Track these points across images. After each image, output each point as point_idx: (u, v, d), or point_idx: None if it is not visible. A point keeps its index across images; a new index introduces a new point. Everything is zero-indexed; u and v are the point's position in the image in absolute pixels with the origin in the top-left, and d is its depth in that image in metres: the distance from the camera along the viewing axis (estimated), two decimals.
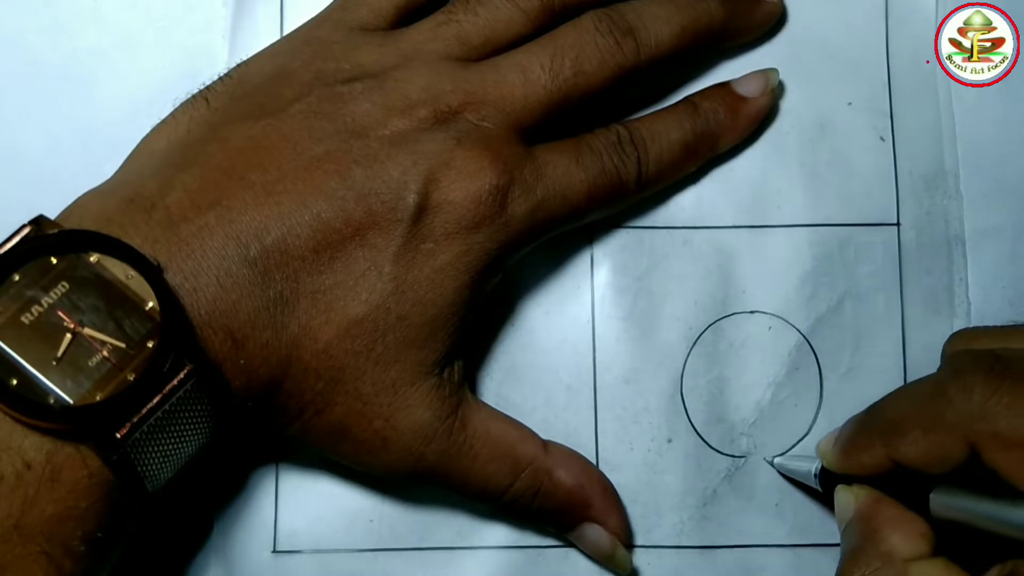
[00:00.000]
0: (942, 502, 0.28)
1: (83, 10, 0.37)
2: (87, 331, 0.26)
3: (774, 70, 0.37)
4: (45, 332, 0.25)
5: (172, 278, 0.28)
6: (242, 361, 0.29)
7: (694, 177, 0.37)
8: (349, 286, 0.30)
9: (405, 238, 0.30)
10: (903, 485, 0.29)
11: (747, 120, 0.37)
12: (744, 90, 0.37)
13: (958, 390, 0.27)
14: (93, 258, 0.26)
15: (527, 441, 0.33)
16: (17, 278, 0.26)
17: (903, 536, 0.28)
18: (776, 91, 0.37)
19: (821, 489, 0.33)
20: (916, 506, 0.29)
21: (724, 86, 0.37)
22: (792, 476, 0.35)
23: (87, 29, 0.37)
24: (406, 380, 0.31)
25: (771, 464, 0.36)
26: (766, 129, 0.38)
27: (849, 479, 0.31)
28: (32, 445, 0.25)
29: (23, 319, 0.25)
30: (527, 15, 0.34)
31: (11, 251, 0.26)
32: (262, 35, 0.37)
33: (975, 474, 0.27)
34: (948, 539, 0.29)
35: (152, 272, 0.27)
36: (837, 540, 0.35)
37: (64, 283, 0.26)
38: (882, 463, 0.30)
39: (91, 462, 0.26)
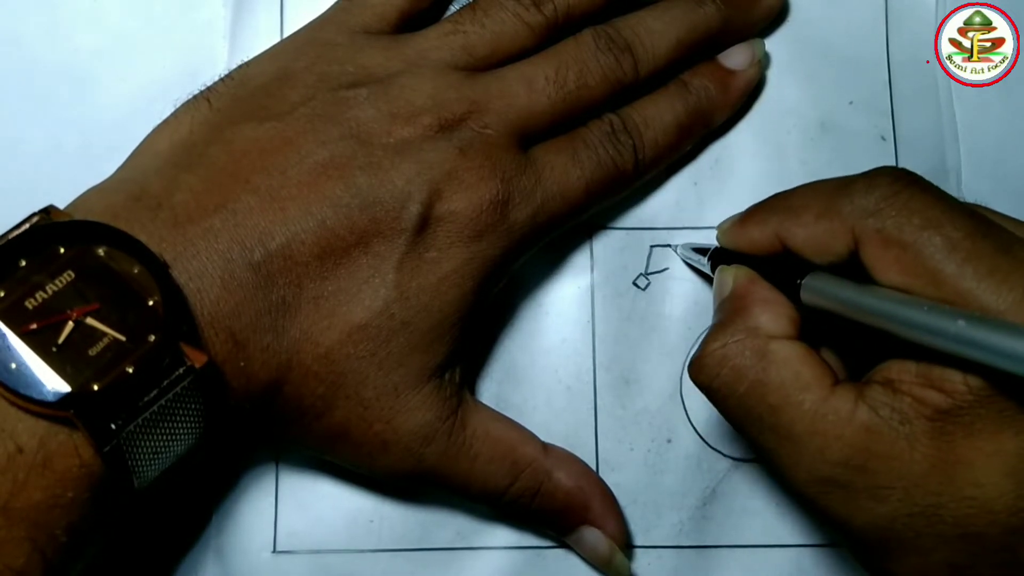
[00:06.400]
0: (812, 287, 0.28)
1: (83, 10, 0.37)
2: (89, 321, 0.26)
3: (759, 41, 0.37)
4: (48, 318, 0.25)
5: (177, 277, 0.28)
6: (242, 363, 0.29)
7: (694, 177, 0.37)
8: (352, 292, 0.30)
9: (408, 246, 0.31)
10: (783, 272, 0.30)
11: (738, 93, 0.37)
12: (732, 63, 0.37)
13: (863, 186, 0.27)
14: (101, 250, 0.27)
15: (527, 442, 0.33)
16: (24, 263, 0.26)
17: (771, 316, 0.29)
18: (763, 61, 0.37)
19: (712, 272, 0.33)
20: (790, 296, 0.29)
21: (712, 61, 0.37)
22: (691, 262, 0.36)
23: (87, 29, 0.37)
24: (408, 384, 0.31)
25: (675, 251, 0.36)
26: (767, 129, 0.38)
27: (736, 261, 0.32)
28: (26, 429, 0.25)
29: (27, 304, 0.25)
30: (532, 29, 0.34)
31: (20, 237, 0.26)
32: (262, 35, 0.37)
33: (851, 274, 0.27)
34: (815, 336, 0.29)
35: (158, 268, 0.27)
36: (838, 540, 0.35)
37: (70, 272, 0.26)
38: (770, 242, 0.30)
39: (83, 452, 0.26)
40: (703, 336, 0.30)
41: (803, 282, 0.29)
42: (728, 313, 0.30)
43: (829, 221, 0.28)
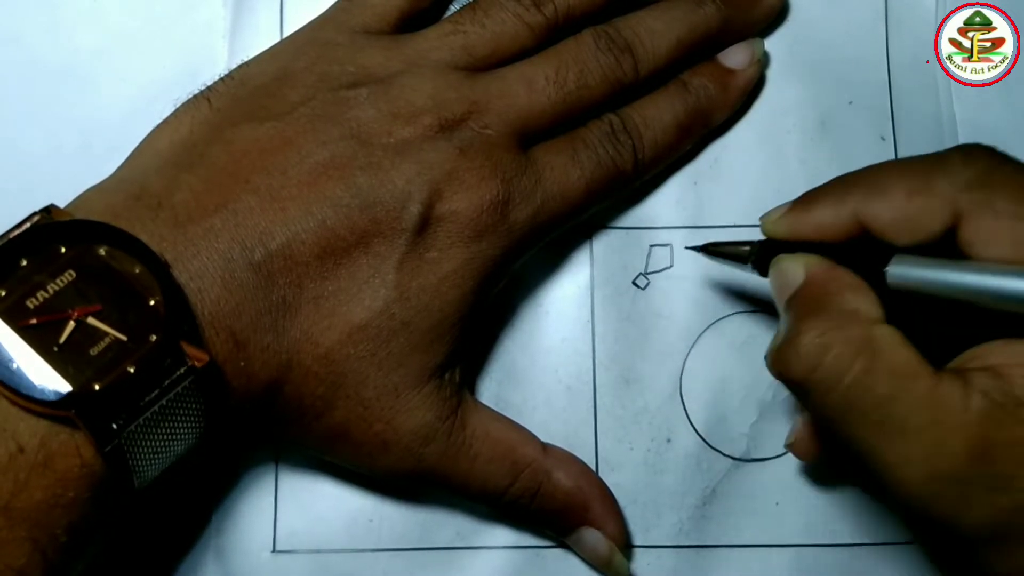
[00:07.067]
0: (903, 268, 0.26)
1: (83, 10, 0.37)
2: (90, 320, 0.26)
3: (759, 40, 0.37)
4: (49, 318, 0.25)
5: (177, 277, 0.28)
6: (243, 363, 0.29)
7: (694, 177, 0.37)
8: (352, 292, 0.30)
9: (409, 246, 0.31)
10: (857, 257, 0.27)
11: (737, 92, 0.37)
12: (732, 62, 0.37)
13: (961, 159, 0.26)
14: (102, 250, 0.27)
15: (526, 443, 0.33)
16: (25, 263, 0.26)
17: (867, 299, 0.27)
18: (762, 61, 0.37)
19: (755, 269, 0.31)
20: (870, 282, 0.27)
21: (711, 61, 0.37)
22: (722, 260, 0.33)
23: (87, 29, 0.37)
24: (408, 384, 0.31)
25: (696, 250, 0.34)
26: (766, 128, 0.38)
27: (792, 251, 0.29)
28: (27, 429, 0.25)
29: (28, 303, 0.25)
30: (532, 30, 0.34)
31: (21, 236, 0.26)
32: (262, 35, 0.37)
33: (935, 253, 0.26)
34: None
35: (159, 268, 0.27)
36: (838, 540, 0.35)
37: (71, 271, 0.26)
38: (846, 225, 0.28)
39: (84, 451, 0.26)
40: (780, 331, 0.28)
41: (893, 261, 0.27)
42: (812, 302, 0.27)
43: (924, 198, 0.26)
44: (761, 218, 0.31)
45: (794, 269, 0.28)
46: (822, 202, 0.29)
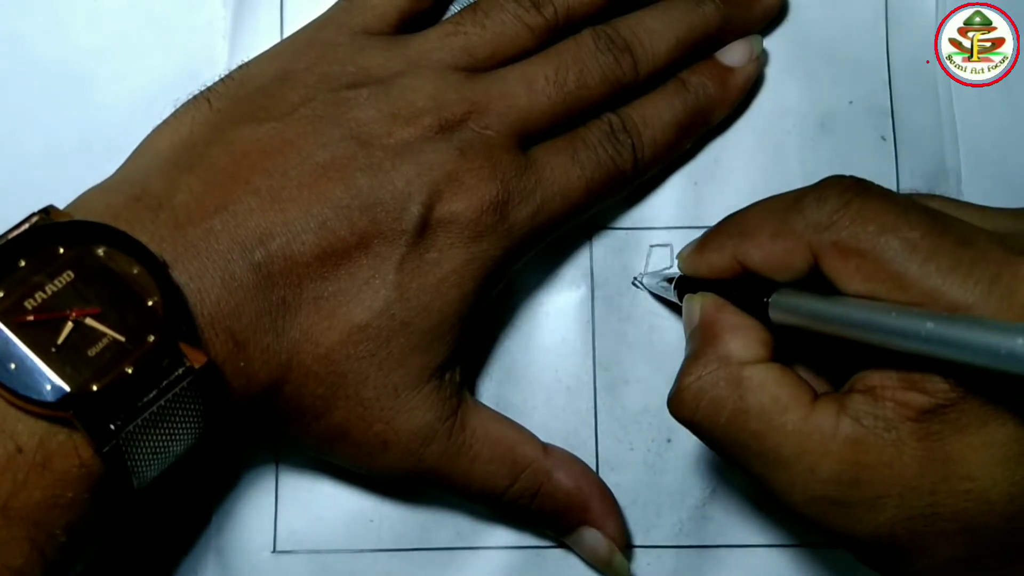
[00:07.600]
0: (779, 304, 0.28)
1: (83, 10, 0.38)
2: (89, 321, 0.26)
3: (757, 37, 0.37)
4: (47, 318, 0.26)
5: (177, 278, 0.28)
6: (242, 363, 0.29)
7: (694, 177, 0.37)
8: (353, 293, 0.30)
9: (409, 247, 0.31)
10: (749, 293, 0.29)
11: (736, 90, 0.37)
12: (730, 60, 0.37)
13: (813, 200, 0.27)
14: (101, 251, 0.27)
15: (527, 443, 0.33)
16: (23, 264, 0.26)
17: (742, 342, 0.29)
18: (761, 58, 0.37)
19: (679, 300, 0.33)
20: (759, 315, 0.29)
21: (710, 59, 0.37)
22: (657, 292, 0.36)
23: (87, 29, 0.37)
24: (408, 384, 0.31)
25: (640, 284, 0.37)
26: (766, 128, 0.38)
27: (701, 287, 0.31)
28: (25, 429, 0.25)
29: (26, 304, 0.26)
30: (532, 31, 0.34)
31: (19, 237, 0.26)
32: (262, 36, 0.37)
33: (817, 288, 0.27)
34: (789, 353, 0.29)
35: (158, 269, 0.27)
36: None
37: (70, 272, 0.26)
38: (730, 265, 0.30)
39: (83, 452, 0.26)
40: (679, 370, 0.30)
41: (769, 300, 0.28)
42: (699, 344, 0.29)
43: (784, 240, 0.27)
44: (677, 255, 0.33)
45: (692, 308, 0.31)
46: (710, 245, 0.31)
